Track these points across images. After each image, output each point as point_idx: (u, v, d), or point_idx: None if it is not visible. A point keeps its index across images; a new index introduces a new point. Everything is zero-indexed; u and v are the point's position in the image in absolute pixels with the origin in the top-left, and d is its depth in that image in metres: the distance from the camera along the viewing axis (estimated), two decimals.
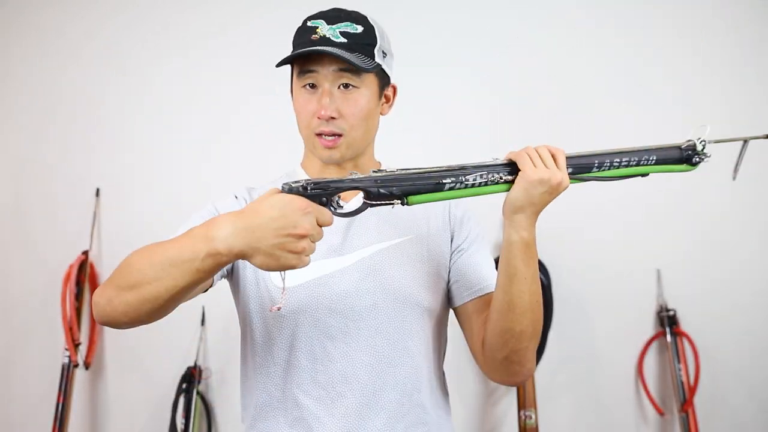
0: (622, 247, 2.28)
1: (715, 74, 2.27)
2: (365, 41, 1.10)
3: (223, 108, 2.41)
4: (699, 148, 1.06)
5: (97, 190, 2.42)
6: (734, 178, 1.09)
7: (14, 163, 2.51)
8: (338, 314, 1.09)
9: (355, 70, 1.08)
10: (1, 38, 2.54)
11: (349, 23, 1.11)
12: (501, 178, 0.99)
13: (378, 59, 1.11)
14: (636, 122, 2.24)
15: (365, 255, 1.12)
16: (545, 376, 2.25)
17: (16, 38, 2.53)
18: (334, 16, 1.12)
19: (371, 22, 1.13)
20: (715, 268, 2.24)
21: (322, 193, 0.91)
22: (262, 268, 0.88)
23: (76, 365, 2.27)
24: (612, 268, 2.27)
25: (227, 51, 2.42)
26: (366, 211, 0.97)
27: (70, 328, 2.27)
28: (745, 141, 1.08)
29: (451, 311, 1.20)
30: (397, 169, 0.96)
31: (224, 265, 0.89)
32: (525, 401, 2.12)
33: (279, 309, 1.05)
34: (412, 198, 0.96)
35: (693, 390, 2.15)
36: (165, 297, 0.90)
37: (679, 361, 2.18)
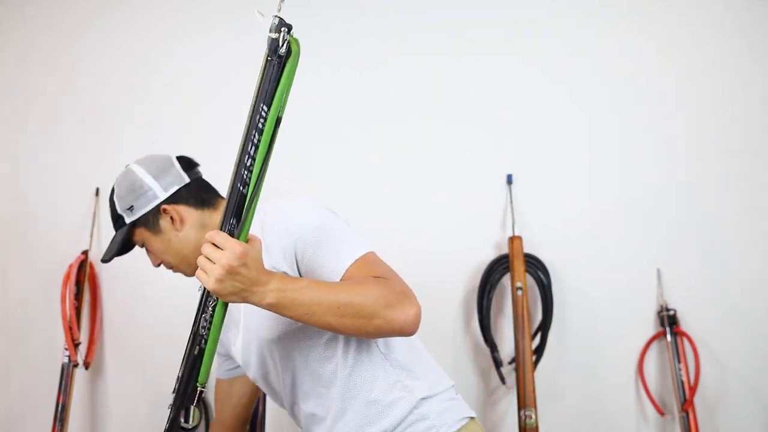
0: (622, 247, 2.27)
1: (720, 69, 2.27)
2: (113, 218, 1.35)
3: (224, 107, 2.40)
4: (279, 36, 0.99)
5: (97, 190, 2.42)
6: None
7: (14, 163, 2.51)
8: (251, 373, 1.32)
9: (132, 242, 1.36)
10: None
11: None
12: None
13: (127, 219, 1.32)
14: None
15: (240, 318, 1.27)
16: (545, 375, 2.25)
17: (15, 38, 2.53)
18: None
19: (114, 194, 1.34)
20: (715, 268, 2.24)
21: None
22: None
23: (76, 365, 2.27)
24: (612, 267, 2.27)
25: (230, 50, 2.41)
26: None
27: (70, 328, 2.26)
28: None
29: None
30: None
31: None
32: (525, 401, 2.12)
33: None
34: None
35: (693, 390, 2.15)
36: None
37: (679, 361, 2.18)
